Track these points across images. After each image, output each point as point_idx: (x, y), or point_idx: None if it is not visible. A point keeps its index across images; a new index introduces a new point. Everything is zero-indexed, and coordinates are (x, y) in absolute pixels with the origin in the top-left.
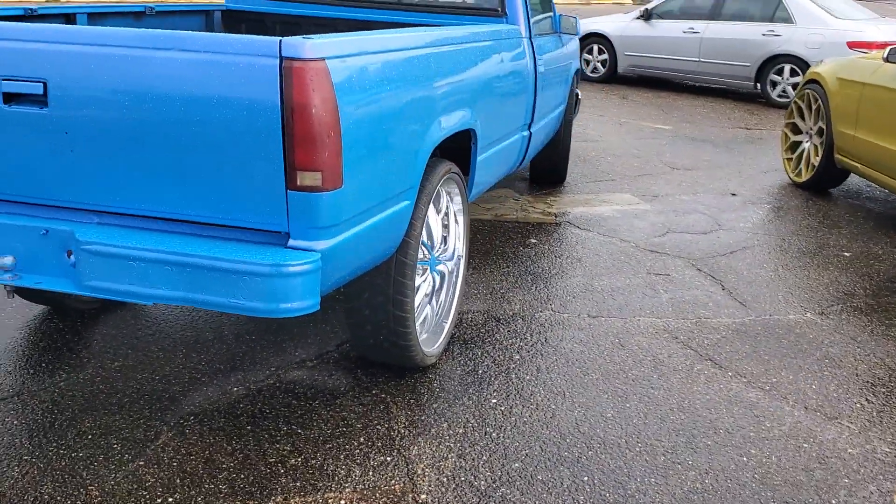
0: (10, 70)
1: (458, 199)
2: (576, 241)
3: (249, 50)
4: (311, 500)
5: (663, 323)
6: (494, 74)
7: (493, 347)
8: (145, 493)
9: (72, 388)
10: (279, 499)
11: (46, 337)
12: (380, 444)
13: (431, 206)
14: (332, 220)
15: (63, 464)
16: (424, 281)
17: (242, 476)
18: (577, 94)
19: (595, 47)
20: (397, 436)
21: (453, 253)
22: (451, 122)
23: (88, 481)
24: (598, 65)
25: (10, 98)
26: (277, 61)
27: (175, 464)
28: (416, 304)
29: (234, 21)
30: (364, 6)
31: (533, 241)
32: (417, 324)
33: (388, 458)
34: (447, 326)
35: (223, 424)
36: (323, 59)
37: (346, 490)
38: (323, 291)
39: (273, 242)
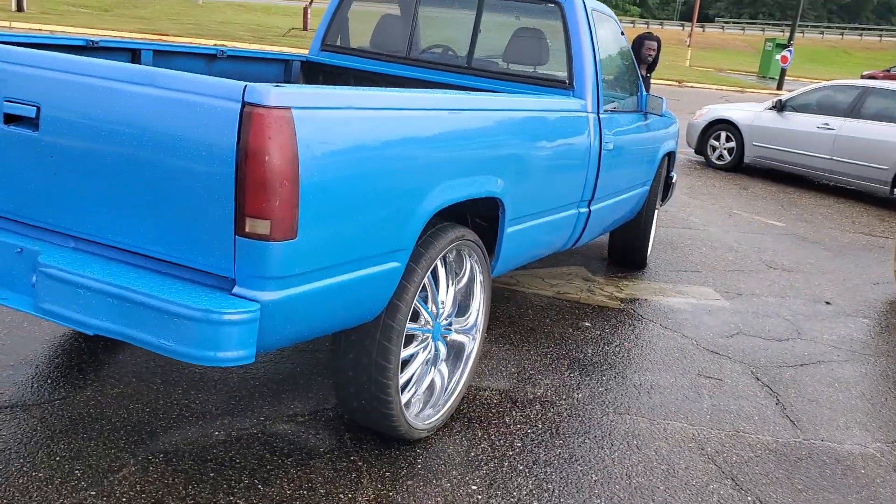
0: (12, 92)
1: (480, 268)
2: (633, 330)
3: (214, 92)
4: None
5: (694, 431)
6: (537, 145)
7: (497, 430)
8: None
9: (64, 408)
10: None
11: (64, 354)
12: None
13: (443, 272)
14: (280, 271)
15: (21, 482)
16: (425, 349)
17: None
18: (670, 179)
19: (723, 134)
20: None
21: (474, 325)
22: (464, 188)
23: (34, 503)
24: (725, 152)
25: (10, 119)
26: (239, 105)
27: (125, 499)
28: (413, 372)
29: (313, 72)
30: (439, 69)
31: (587, 324)
32: (420, 392)
33: None
34: (450, 402)
35: (188, 467)
36: (289, 108)
37: None
38: (266, 345)
39: (220, 287)
